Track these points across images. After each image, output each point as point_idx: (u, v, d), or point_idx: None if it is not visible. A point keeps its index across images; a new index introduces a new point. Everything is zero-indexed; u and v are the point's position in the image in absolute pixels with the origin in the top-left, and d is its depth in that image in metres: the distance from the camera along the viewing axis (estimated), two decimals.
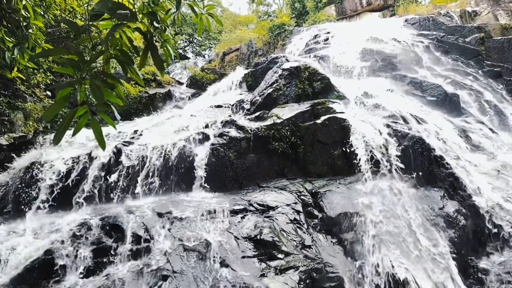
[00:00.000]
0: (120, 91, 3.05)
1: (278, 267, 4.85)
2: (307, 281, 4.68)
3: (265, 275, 4.74)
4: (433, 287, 4.96)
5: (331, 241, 5.81)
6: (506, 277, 5.04)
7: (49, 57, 7.70)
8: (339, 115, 7.54)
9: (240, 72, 12.38)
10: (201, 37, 24.04)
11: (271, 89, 8.93)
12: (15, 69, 5.42)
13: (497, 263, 5.29)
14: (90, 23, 2.88)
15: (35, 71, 9.53)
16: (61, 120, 2.58)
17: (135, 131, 7.66)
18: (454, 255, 5.32)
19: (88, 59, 2.66)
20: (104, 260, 4.86)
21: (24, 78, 8.92)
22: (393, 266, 5.11)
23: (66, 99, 2.62)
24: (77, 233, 5.09)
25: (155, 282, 4.41)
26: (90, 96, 2.70)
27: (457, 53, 12.50)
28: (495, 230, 5.61)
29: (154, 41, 2.93)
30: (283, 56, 11.06)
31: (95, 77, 2.63)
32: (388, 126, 7.16)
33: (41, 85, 9.82)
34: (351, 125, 7.22)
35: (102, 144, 2.59)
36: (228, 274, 4.60)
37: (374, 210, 5.91)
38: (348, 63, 11.14)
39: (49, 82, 9.82)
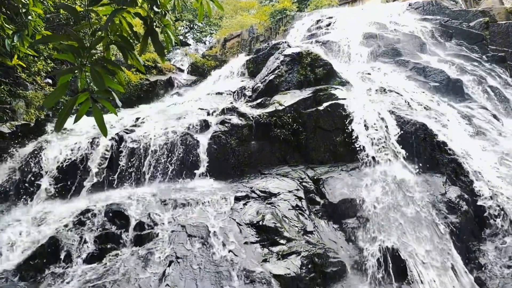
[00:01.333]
0: (121, 77, 3.03)
1: (280, 253, 4.90)
2: (309, 266, 4.73)
3: (267, 260, 4.78)
4: (434, 272, 5.00)
5: (333, 227, 5.85)
6: (508, 262, 5.07)
7: (49, 43, 7.65)
8: (341, 102, 7.50)
9: (241, 58, 12.28)
10: (201, 23, 23.79)
11: (273, 76, 8.86)
12: (15, 56, 5.38)
13: (499, 248, 5.32)
14: (89, 8, 2.84)
15: (36, 58, 9.47)
16: (62, 107, 2.58)
17: (137, 119, 7.65)
18: (456, 240, 5.35)
19: (88, 45, 2.64)
20: (108, 246, 4.91)
21: (24, 65, 8.88)
22: (394, 251, 5.14)
23: (66, 86, 2.61)
24: (81, 220, 5.13)
25: (159, 267, 4.46)
26: (92, 84, 2.69)
27: (461, 38, 12.34)
28: (497, 216, 5.62)
29: (154, 27, 2.89)
30: (285, 42, 10.95)
31: (95, 64, 2.61)
32: (390, 112, 7.12)
33: (41, 72, 9.77)
34: (353, 112, 7.18)
35: (104, 131, 2.59)
36: (230, 259, 4.65)
37: (375, 196, 5.92)
38: (350, 48, 11.02)
39: (49, 70, 9.77)
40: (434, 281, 4.90)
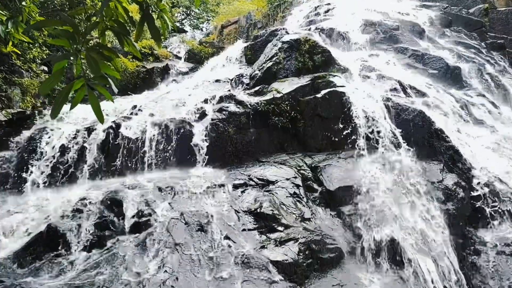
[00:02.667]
0: (117, 63, 2.99)
1: (278, 239, 4.94)
2: (307, 252, 4.78)
3: (265, 246, 4.82)
4: (430, 258, 5.06)
5: (330, 214, 5.88)
6: (503, 248, 5.14)
7: (43, 28, 7.53)
8: (339, 89, 7.46)
9: (239, 45, 12.14)
10: (198, 9, 23.47)
11: (271, 63, 8.79)
12: (10, 43, 5.31)
13: (495, 235, 5.39)
14: None
15: (30, 45, 9.35)
16: (58, 94, 2.55)
17: (134, 106, 7.60)
18: (452, 227, 5.40)
19: (83, 30, 2.59)
20: (106, 233, 4.93)
21: (19, 52, 8.76)
22: (390, 238, 5.19)
23: (62, 72, 2.57)
24: (78, 208, 5.14)
25: (157, 254, 4.49)
26: (88, 71, 2.66)
27: (460, 25, 12.25)
28: (494, 203, 5.67)
29: (150, 11, 2.85)
30: (283, 29, 10.82)
31: (91, 49, 2.57)
32: (389, 99, 7.10)
33: (37, 60, 9.65)
34: (351, 99, 7.16)
35: (100, 118, 2.57)
36: (229, 246, 4.68)
37: (372, 184, 5.95)
38: (349, 35, 10.92)
39: (45, 57, 9.65)
40: (430, 267, 4.97)
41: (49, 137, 6.55)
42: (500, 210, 5.59)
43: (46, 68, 10.11)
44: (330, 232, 5.43)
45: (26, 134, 6.68)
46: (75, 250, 4.68)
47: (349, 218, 5.74)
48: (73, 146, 6.42)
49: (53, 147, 6.36)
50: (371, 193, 5.81)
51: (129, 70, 11.57)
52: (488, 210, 5.67)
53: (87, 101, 2.59)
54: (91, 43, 2.76)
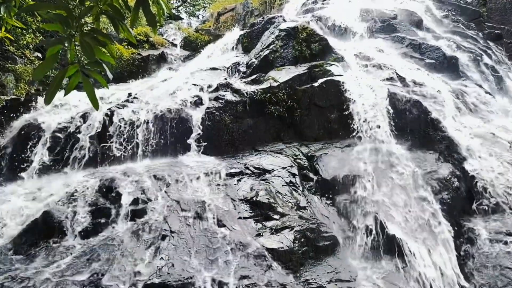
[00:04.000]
0: (112, 49, 2.95)
1: (274, 227, 4.97)
2: (302, 240, 4.82)
3: (261, 234, 4.85)
4: (424, 247, 5.12)
5: (326, 203, 5.92)
6: (496, 237, 5.21)
7: (36, 13, 7.40)
8: (336, 78, 7.44)
9: (235, 33, 12.00)
10: None
11: (268, 51, 8.72)
12: (3, 29, 5.21)
13: (489, 224, 5.45)
14: None
15: (24, 31, 9.20)
16: (52, 80, 2.51)
17: (129, 94, 7.53)
18: (446, 216, 5.46)
19: (77, 15, 2.54)
20: (102, 221, 4.93)
21: (12, 38, 8.62)
22: (385, 227, 5.24)
23: (55, 58, 2.53)
24: (74, 195, 5.12)
25: (153, 242, 4.50)
26: (83, 58, 2.62)
27: (458, 15, 12.20)
28: (488, 192, 5.72)
29: None
30: (280, 16, 10.72)
31: (85, 35, 2.53)
32: (385, 88, 7.08)
33: (30, 46, 9.51)
34: (348, 88, 7.14)
35: (95, 104, 2.54)
36: (224, 234, 4.70)
37: (368, 173, 5.98)
38: (346, 23, 10.83)
39: (38, 43, 9.50)
40: (424, 256, 5.03)
41: (44, 125, 6.49)
42: (494, 200, 5.64)
43: (40, 55, 9.97)
44: (326, 221, 5.47)
45: (20, 121, 6.61)
46: (70, 237, 4.68)
47: (344, 207, 5.77)
48: (67, 134, 6.37)
49: (48, 135, 6.30)
50: (366, 182, 5.84)
51: (124, 58, 11.45)
52: (482, 199, 5.72)
53: (82, 88, 2.56)
54: (85, 29, 2.70)
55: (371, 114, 6.69)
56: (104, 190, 5.29)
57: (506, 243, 5.11)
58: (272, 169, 6.15)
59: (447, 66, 9.20)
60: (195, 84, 7.93)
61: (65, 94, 2.75)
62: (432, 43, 9.85)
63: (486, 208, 5.66)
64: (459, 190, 5.79)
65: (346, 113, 6.92)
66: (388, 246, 5.11)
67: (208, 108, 7.07)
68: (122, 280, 3.96)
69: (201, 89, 7.67)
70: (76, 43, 2.53)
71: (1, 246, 4.50)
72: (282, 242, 4.71)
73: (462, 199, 5.78)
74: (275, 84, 7.57)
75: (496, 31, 11.55)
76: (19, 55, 9.35)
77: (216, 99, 7.30)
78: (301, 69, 7.99)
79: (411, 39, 9.97)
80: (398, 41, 10.04)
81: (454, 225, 5.49)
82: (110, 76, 2.74)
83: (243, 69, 9.05)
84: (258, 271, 4.27)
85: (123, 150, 6.43)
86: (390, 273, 4.85)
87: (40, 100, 7.25)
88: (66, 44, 2.53)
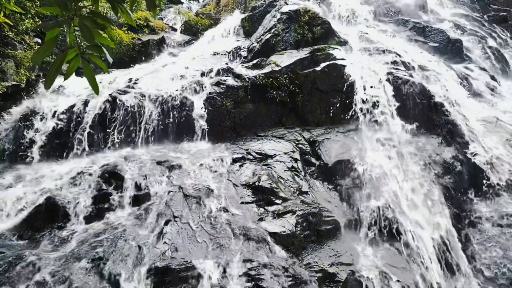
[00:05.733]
0: (111, 32, 2.90)
1: (276, 212, 4.98)
2: (304, 224, 4.84)
3: (263, 219, 4.88)
4: (426, 231, 5.14)
5: (328, 187, 5.92)
6: (498, 221, 5.23)
7: None
8: (339, 62, 7.35)
9: (236, 16, 11.83)
10: None
11: (269, 35, 8.61)
12: (1, 14, 5.15)
13: (490, 208, 5.46)
14: None
15: (23, 16, 9.10)
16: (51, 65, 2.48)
17: (130, 80, 7.47)
18: (449, 200, 5.46)
19: None
20: (105, 206, 4.96)
21: (11, 23, 8.52)
22: (387, 211, 5.25)
23: (55, 41, 2.49)
24: (77, 181, 5.14)
25: (156, 227, 4.53)
26: (83, 43, 2.57)
27: None
28: (491, 177, 5.71)
29: None
30: None
31: (84, 18, 2.48)
32: (389, 72, 7.01)
33: (29, 31, 9.42)
34: (351, 72, 7.07)
35: (96, 88, 2.51)
36: (227, 218, 4.73)
37: (371, 158, 5.96)
38: (350, 6, 10.65)
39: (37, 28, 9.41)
40: (426, 239, 5.05)
41: (45, 111, 6.47)
42: (497, 184, 5.64)
43: (39, 40, 9.89)
44: (327, 205, 5.48)
45: (21, 107, 6.59)
46: (74, 222, 4.72)
47: (346, 192, 5.78)
48: (70, 120, 6.35)
49: (50, 121, 6.29)
50: (368, 167, 5.83)
51: (124, 43, 11.31)
52: (485, 183, 5.72)
53: (82, 74, 2.53)
54: (84, 12, 2.65)
55: (374, 98, 6.63)
56: (107, 175, 5.30)
57: (507, 226, 5.13)
58: (274, 154, 6.14)
59: (451, 49, 9.09)
60: (196, 69, 7.86)
61: (65, 79, 2.72)
62: (436, 26, 9.70)
63: (489, 192, 5.66)
64: (462, 174, 5.79)
65: (349, 97, 6.87)
66: (390, 230, 5.13)
67: (209, 93, 7.02)
68: (125, 265, 4.00)
69: (203, 74, 7.60)
70: (75, 27, 2.49)
71: (6, 231, 4.55)
72: (284, 227, 4.74)
73: (464, 183, 5.78)
74: (277, 68, 7.49)
75: (501, 14, 11.36)
76: (18, 41, 9.27)
77: (218, 84, 7.25)
78: (303, 53, 7.89)
79: (415, 22, 9.83)
80: (402, 24, 9.90)
81: (457, 209, 5.51)
82: (110, 60, 2.70)
83: (244, 53, 8.95)
84: (260, 254, 4.31)
85: (125, 136, 6.42)
86: (392, 256, 4.88)
87: (41, 86, 7.20)
88: (65, 28, 2.49)
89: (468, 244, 5.16)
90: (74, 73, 2.65)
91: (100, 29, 2.58)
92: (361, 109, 6.64)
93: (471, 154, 5.91)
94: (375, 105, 6.57)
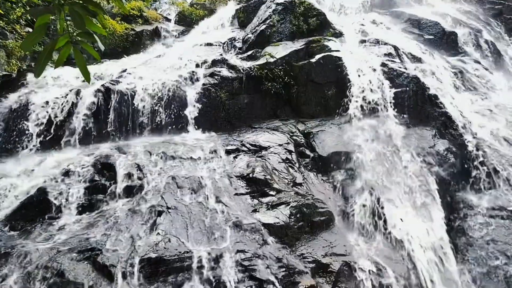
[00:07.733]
0: (104, 21, 2.85)
1: (270, 203, 4.99)
2: (298, 215, 4.85)
3: (257, 210, 4.88)
4: (419, 223, 5.18)
5: (322, 179, 5.94)
6: (490, 212, 5.28)
7: None
8: (334, 54, 7.33)
9: (231, 7, 11.74)
10: None
11: (264, 26, 8.55)
12: None
13: (483, 199, 5.50)
14: None
15: (14, 5, 8.94)
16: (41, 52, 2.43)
17: (123, 70, 7.38)
18: (442, 192, 5.50)
19: None
20: (98, 197, 4.92)
21: (2, 12, 8.37)
22: (380, 203, 5.28)
23: (44, 28, 2.44)
24: (69, 172, 5.09)
25: (149, 218, 4.51)
26: (74, 31, 2.52)
27: None
28: (484, 168, 5.75)
29: None
30: None
31: (75, 4, 2.43)
32: (383, 64, 7.00)
33: (21, 20, 9.26)
34: (346, 64, 7.04)
35: (87, 76, 2.47)
36: (221, 210, 4.72)
37: (365, 150, 5.98)
38: None
39: (29, 18, 9.25)
40: (419, 231, 5.09)
41: (37, 101, 6.37)
42: (490, 176, 5.68)
43: (31, 30, 9.72)
44: (321, 197, 5.50)
45: (12, 98, 6.48)
46: (66, 213, 4.68)
47: (340, 183, 5.80)
48: (62, 110, 6.27)
49: (42, 111, 6.20)
50: (362, 159, 5.85)
51: (117, 33, 11.17)
52: (479, 175, 5.76)
53: (74, 64, 2.49)
54: None
55: (368, 90, 6.63)
56: (100, 166, 5.26)
57: (501, 217, 5.18)
58: (269, 146, 6.13)
59: (446, 41, 9.10)
60: (190, 60, 7.79)
61: (56, 67, 2.68)
62: (432, 18, 9.69)
63: (481, 184, 5.71)
64: (455, 165, 5.82)
65: (343, 89, 6.85)
66: (383, 222, 5.16)
67: (203, 84, 6.97)
68: (118, 256, 3.98)
69: (197, 65, 7.54)
70: (67, 14, 2.44)
71: None
72: (278, 218, 4.74)
73: (457, 175, 5.81)
74: (272, 60, 7.45)
75: (496, 7, 11.37)
76: (9, 30, 9.11)
77: (212, 75, 7.19)
78: (298, 44, 7.86)
79: (410, 14, 9.82)
80: (397, 16, 9.88)
81: (449, 201, 5.55)
82: (102, 47, 2.66)
83: (239, 44, 8.89)
84: (254, 245, 4.31)
85: (118, 126, 6.36)
86: (384, 247, 4.92)
87: (33, 76, 7.09)
88: (55, 14, 2.44)
89: (460, 235, 5.20)
90: (66, 63, 2.61)
91: (91, 16, 2.53)
92: (355, 101, 6.63)
93: (464, 146, 5.95)
94: (369, 97, 6.56)
